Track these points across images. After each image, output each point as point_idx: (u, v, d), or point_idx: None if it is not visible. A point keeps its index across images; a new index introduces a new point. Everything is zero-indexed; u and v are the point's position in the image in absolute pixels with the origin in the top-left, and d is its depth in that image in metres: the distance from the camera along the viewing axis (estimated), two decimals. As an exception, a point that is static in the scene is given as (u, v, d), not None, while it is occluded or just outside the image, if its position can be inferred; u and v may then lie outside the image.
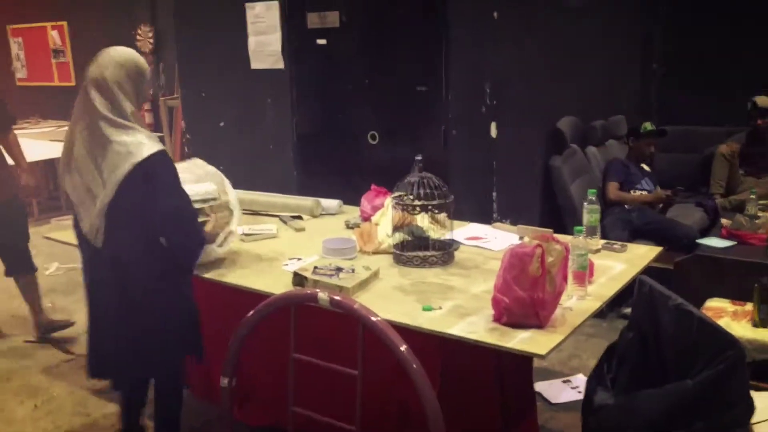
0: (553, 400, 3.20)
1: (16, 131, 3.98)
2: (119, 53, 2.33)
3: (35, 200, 6.88)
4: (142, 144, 2.23)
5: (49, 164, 6.97)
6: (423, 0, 3.87)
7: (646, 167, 4.73)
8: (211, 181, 2.78)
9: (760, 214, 3.83)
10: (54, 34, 8.35)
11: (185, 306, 2.48)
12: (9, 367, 3.74)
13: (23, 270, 4.00)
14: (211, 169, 2.87)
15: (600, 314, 2.55)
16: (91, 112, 2.25)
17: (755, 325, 2.85)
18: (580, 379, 3.32)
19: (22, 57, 8.77)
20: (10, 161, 3.89)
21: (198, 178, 2.76)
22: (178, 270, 2.44)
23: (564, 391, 3.28)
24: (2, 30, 8.77)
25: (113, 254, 2.32)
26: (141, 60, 2.37)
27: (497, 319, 2.08)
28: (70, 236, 3.12)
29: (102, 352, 2.47)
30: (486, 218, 3.79)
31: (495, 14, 3.65)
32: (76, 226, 2.43)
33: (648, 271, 2.82)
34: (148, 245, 2.33)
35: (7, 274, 4.04)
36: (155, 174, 2.25)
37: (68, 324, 4.07)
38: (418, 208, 2.63)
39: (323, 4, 4.22)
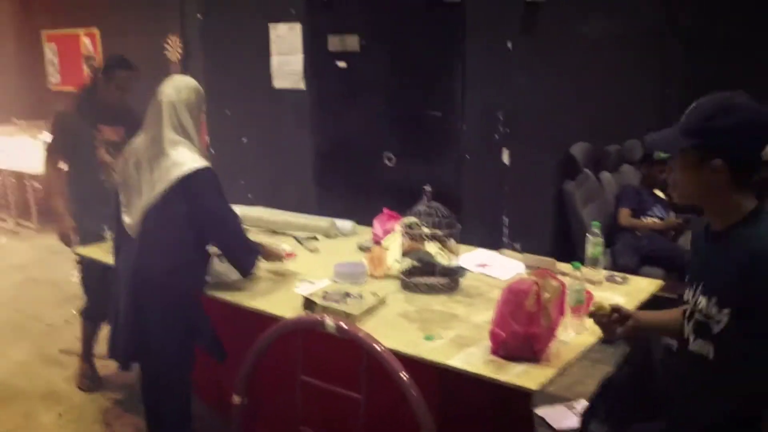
0: (556, 426, 3.28)
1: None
2: (189, 81, 2.69)
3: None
4: (193, 160, 2.54)
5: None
6: (441, 29, 3.98)
7: (660, 194, 4.79)
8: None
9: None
10: (86, 41, 8.57)
11: (188, 309, 2.70)
12: (37, 372, 3.90)
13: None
14: None
15: (607, 340, 2.63)
16: (159, 124, 2.59)
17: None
18: (584, 405, 3.39)
19: (55, 62, 9.02)
20: None
21: None
22: (189, 273, 2.69)
23: (567, 416, 3.35)
24: (37, 35, 9.04)
25: (142, 247, 2.63)
26: (201, 90, 2.71)
27: (494, 351, 2.18)
28: (98, 252, 3.31)
29: (117, 333, 2.78)
30: (496, 241, 3.89)
31: (509, 44, 3.75)
32: (116, 212, 2.75)
33: (654, 300, 2.90)
34: (175, 249, 2.61)
35: (93, 317, 3.73)
36: (197, 187, 2.55)
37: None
38: (425, 237, 2.74)
39: (344, 28, 4.35)
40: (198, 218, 2.58)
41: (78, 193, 3.57)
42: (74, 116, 3.50)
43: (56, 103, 8.62)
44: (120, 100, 3.49)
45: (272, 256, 2.89)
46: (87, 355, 3.78)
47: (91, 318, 3.73)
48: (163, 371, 2.77)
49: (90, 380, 3.72)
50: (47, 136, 3.57)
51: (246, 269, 2.76)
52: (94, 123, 3.48)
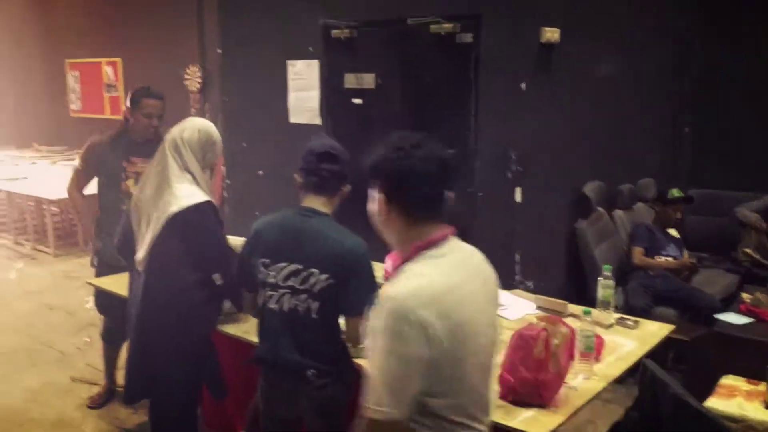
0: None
1: (64, 162, 4.02)
2: (200, 122, 2.73)
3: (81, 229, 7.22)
4: (193, 194, 2.58)
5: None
6: (455, 69, 4.04)
7: (673, 232, 4.78)
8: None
9: (783, 287, 3.86)
10: (108, 70, 8.75)
11: (197, 345, 2.72)
12: (49, 400, 3.93)
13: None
14: None
15: (619, 380, 2.62)
16: (164, 162, 2.63)
17: (767, 407, 2.87)
18: (594, 447, 3.36)
19: (77, 89, 9.20)
20: None
21: None
22: (197, 310, 2.69)
23: (576, 458, 3.32)
24: (61, 63, 9.24)
25: (147, 283, 2.65)
26: (215, 132, 2.74)
27: (503, 396, 2.18)
28: (111, 283, 3.35)
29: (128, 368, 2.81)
30: (508, 279, 3.90)
31: (523, 85, 3.80)
32: (122, 248, 2.85)
33: (667, 342, 2.88)
34: (176, 279, 2.62)
35: (112, 341, 3.77)
36: (192, 222, 2.57)
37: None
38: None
39: (361, 66, 4.43)
40: (193, 255, 2.60)
41: (100, 221, 3.66)
42: (106, 147, 3.58)
43: (76, 129, 8.79)
44: (149, 130, 3.52)
45: None
46: (108, 376, 3.86)
47: (109, 341, 3.79)
48: (171, 407, 2.79)
49: (101, 399, 3.81)
50: (74, 162, 3.64)
51: (237, 301, 2.77)
52: (126, 155, 3.54)
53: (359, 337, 2.18)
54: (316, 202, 2.27)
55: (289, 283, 2.19)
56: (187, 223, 2.56)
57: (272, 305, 2.23)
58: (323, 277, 2.15)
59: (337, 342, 2.23)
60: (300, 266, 2.17)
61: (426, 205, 1.63)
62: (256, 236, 2.31)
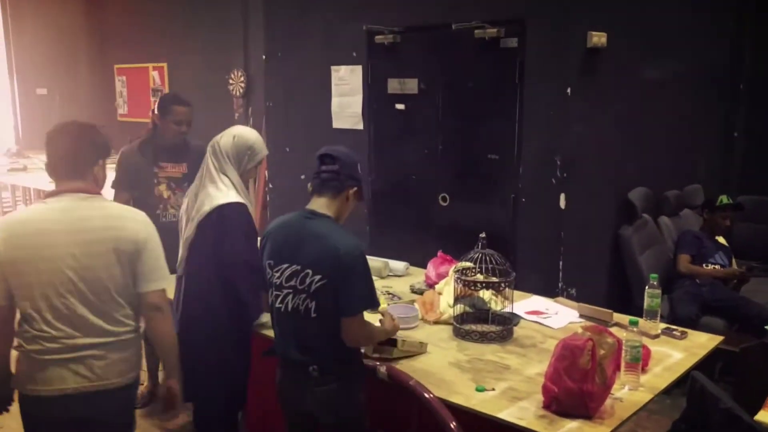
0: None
1: (111, 164, 4.05)
2: (239, 129, 2.79)
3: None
4: (226, 195, 2.62)
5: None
6: (499, 74, 4.01)
7: (721, 240, 4.67)
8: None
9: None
10: (154, 75, 8.93)
11: (235, 348, 2.74)
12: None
13: None
14: None
15: (665, 391, 2.57)
16: (204, 167, 2.73)
17: (820, 422, 2.78)
18: (638, 458, 3.30)
19: (124, 94, 9.42)
20: None
21: None
22: (235, 315, 2.69)
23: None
24: (109, 69, 9.46)
25: (187, 282, 2.70)
26: (251, 138, 2.76)
27: (546, 406, 2.16)
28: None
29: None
30: (552, 287, 3.85)
31: (569, 90, 3.75)
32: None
33: (715, 352, 2.81)
34: (212, 280, 2.64)
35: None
36: (228, 218, 2.60)
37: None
38: (478, 285, 2.74)
39: (404, 71, 4.43)
40: (222, 250, 2.60)
41: None
42: (136, 154, 3.65)
43: (123, 132, 9.00)
44: (179, 136, 3.58)
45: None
46: (150, 376, 3.94)
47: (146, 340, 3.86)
48: (213, 410, 2.82)
49: (144, 399, 3.87)
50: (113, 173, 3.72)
51: (253, 312, 2.71)
52: (155, 160, 3.61)
53: (358, 338, 2.26)
54: (318, 204, 2.30)
55: (291, 283, 2.25)
56: (216, 221, 2.60)
57: (278, 304, 2.30)
58: (317, 277, 2.19)
59: (339, 340, 2.24)
60: (298, 267, 2.23)
61: (54, 167, 2.22)
62: (266, 238, 2.38)
